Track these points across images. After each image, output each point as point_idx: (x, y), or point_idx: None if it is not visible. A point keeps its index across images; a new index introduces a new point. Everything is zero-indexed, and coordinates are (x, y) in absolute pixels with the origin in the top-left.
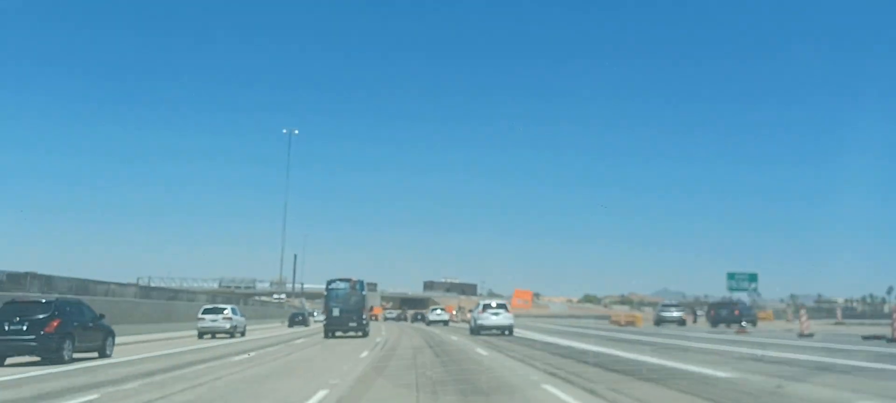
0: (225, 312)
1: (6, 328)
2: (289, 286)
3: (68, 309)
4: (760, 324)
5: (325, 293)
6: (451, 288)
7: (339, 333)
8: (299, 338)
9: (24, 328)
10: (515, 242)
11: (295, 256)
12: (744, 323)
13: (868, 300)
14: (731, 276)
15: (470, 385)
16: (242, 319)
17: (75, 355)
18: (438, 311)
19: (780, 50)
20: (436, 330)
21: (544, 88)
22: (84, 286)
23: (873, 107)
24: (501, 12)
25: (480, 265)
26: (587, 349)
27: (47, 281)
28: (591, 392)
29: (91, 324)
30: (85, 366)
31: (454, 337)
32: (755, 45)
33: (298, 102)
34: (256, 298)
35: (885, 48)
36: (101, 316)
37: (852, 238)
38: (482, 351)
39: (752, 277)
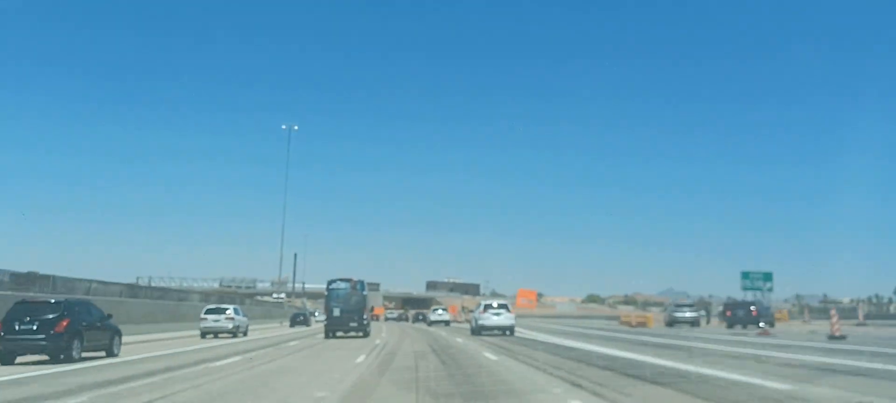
0: (227, 312)
1: (17, 327)
2: (289, 285)
3: (77, 308)
4: (777, 325)
5: (326, 293)
6: (453, 288)
7: (339, 333)
8: (294, 340)
9: (35, 327)
10: (518, 242)
11: (295, 255)
12: (762, 324)
13: (874, 300)
14: (745, 275)
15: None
16: (245, 319)
17: (83, 354)
18: (440, 311)
19: (780, 50)
20: (440, 332)
21: (544, 88)
22: (67, 284)
23: (873, 107)
24: (501, 12)
25: (483, 265)
26: (606, 353)
27: (15, 279)
28: None
29: (99, 324)
30: (94, 365)
31: (459, 340)
32: (755, 46)
33: (299, 102)
34: (257, 298)
35: (885, 48)
36: (109, 316)
37: (854, 238)
38: (491, 356)
39: (768, 276)
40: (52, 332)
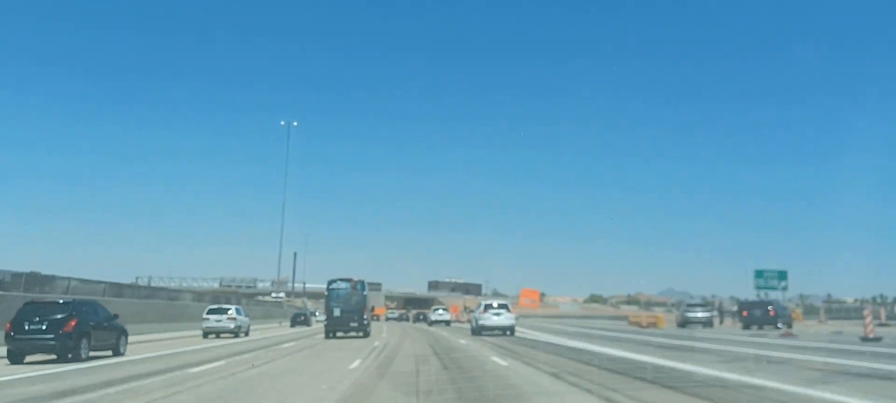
0: (229, 312)
1: (26, 327)
2: (289, 285)
3: (85, 309)
4: (795, 325)
5: (326, 293)
6: (455, 287)
7: (339, 333)
8: (288, 342)
9: (44, 327)
10: (520, 242)
11: (294, 254)
12: (780, 325)
13: (878, 300)
14: (758, 274)
15: None
16: (246, 319)
17: (91, 353)
18: (440, 311)
19: (780, 50)
20: (441, 332)
21: (545, 88)
22: (39, 280)
23: (873, 107)
24: (501, 12)
25: (485, 265)
26: (627, 357)
27: None
28: None
29: (106, 324)
30: (101, 364)
31: (463, 341)
32: (755, 45)
33: (299, 102)
34: (257, 298)
35: (885, 48)
36: (115, 316)
37: (856, 237)
38: (499, 361)
39: (782, 275)
40: (60, 332)
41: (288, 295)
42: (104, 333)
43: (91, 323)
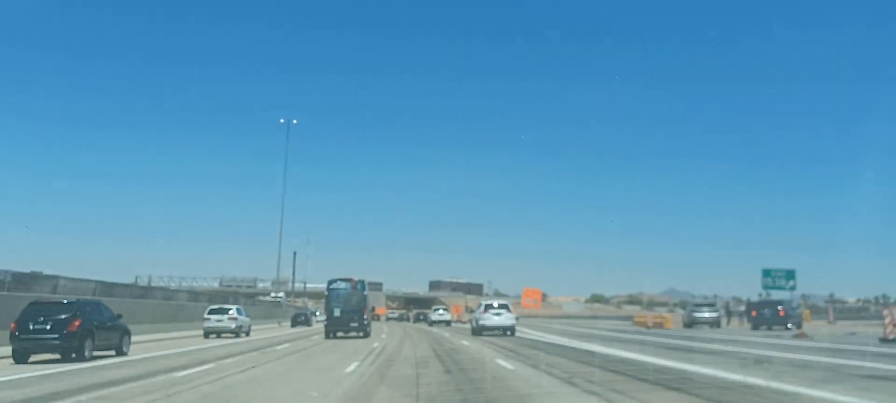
0: (230, 312)
1: (31, 327)
2: (289, 285)
3: (88, 309)
4: (804, 326)
5: (326, 293)
6: (456, 287)
7: (339, 333)
8: (286, 342)
9: (48, 327)
10: (521, 242)
11: (294, 254)
12: (790, 325)
13: (881, 300)
14: (766, 273)
15: None
16: (247, 319)
17: (94, 353)
18: (441, 311)
19: (788, 48)
20: (442, 333)
21: (545, 88)
22: (24, 279)
23: (875, 105)
24: (505, 11)
25: (486, 265)
26: (639, 359)
27: None
28: None
29: (109, 324)
30: (105, 363)
31: (465, 342)
32: (763, 42)
33: (300, 102)
34: (258, 298)
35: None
36: (119, 316)
37: (856, 237)
38: (505, 364)
39: (790, 274)
40: (65, 332)
41: (288, 294)
42: (108, 333)
43: (95, 323)
